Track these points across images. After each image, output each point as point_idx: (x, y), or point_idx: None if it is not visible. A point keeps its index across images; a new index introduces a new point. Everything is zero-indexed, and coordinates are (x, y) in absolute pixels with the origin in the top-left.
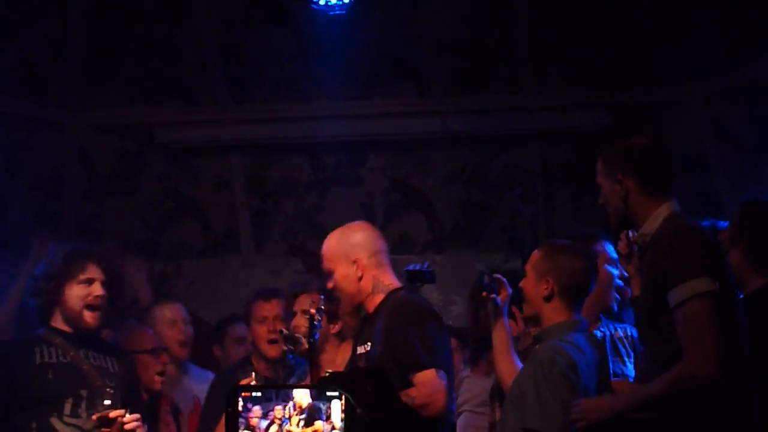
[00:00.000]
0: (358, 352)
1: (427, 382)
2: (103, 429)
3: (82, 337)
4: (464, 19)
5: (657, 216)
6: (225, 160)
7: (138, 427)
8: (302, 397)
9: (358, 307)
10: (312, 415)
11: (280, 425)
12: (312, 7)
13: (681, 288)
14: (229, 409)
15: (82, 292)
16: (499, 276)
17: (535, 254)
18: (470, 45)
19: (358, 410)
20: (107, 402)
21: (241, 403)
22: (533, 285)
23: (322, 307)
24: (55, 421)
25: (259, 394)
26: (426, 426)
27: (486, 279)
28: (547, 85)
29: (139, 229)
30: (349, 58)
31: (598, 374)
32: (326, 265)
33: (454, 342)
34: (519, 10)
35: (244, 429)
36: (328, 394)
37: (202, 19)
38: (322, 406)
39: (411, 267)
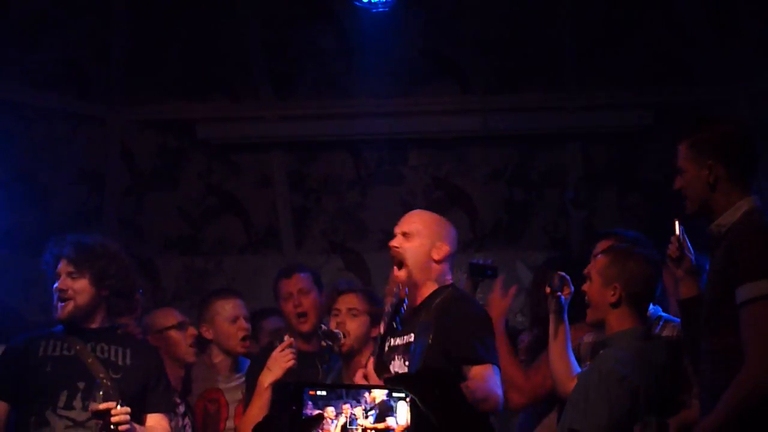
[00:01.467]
0: (394, 343)
1: (486, 376)
2: (96, 420)
3: (93, 330)
4: (507, 18)
5: (738, 208)
6: (267, 157)
7: (126, 420)
8: (377, 394)
9: (412, 288)
10: (383, 411)
11: (349, 422)
12: (355, 5)
13: (751, 286)
14: (294, 407)
15: (55, 285)
16: (563, 274)
17: (602, 259)
18: (513, 43)
19: (425, 412)
20: (100, 393)
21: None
22: (599, 291)
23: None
24: (49, 414)
25: (324, 393)
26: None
27: (556, 278)
28: (590, 83)
29: (179, 225)
30: (392, 55)
31: (663, 381)
32: (413, 227)
33: None
34: (562, 9)
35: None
36: (395, 394)
37: (245, 16)
38: (393, 404)
39: (474, 261)
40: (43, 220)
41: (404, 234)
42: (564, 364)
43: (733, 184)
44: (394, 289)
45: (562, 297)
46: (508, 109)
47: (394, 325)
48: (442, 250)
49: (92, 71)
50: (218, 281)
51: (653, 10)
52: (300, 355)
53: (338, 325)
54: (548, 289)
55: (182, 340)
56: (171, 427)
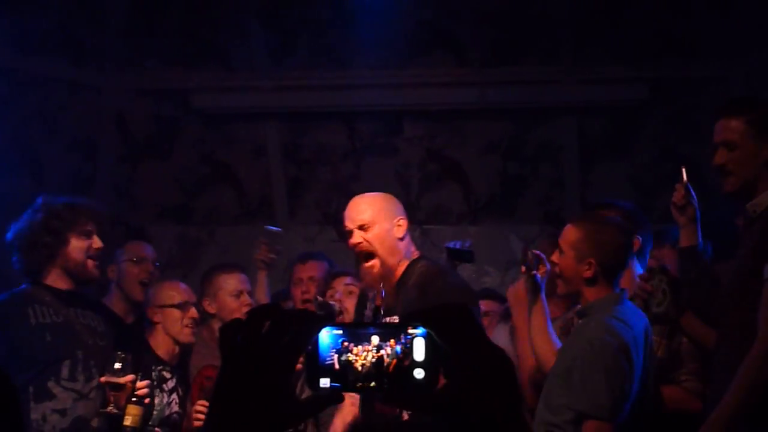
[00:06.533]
0: None
1: None
2: (111, 393)
3: (72, 294)
4: None
5: None
6: (261, 127)
7: (148, 393)
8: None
9: (386, 272)
10: (379, 347)
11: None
12: None
13: None
14: (309, 348)
15: (84, 243)
16: (538, 252)
17: (573, 232)
18: (510, 16)
19: (442, 347)
20: (118, 366)
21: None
22: (573, 266)
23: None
24: (52, 386)
25: (340, 331)
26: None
27: (529, 255)
28: (586, 57)
29: (173, 194)
30: (388, 26)
31: (645, 344)
32: (365, 217)
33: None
34: None
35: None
36: (410, 331)
37: None
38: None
39: (451, 244)
40: (37, 188)
41: (361, 227)
42: (545, 342)
43: None
44: (370, 295)
45: (538, 275)
46: (504, 82)
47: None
48: (402, 226)
49: (88, 39)
50: (211, 251)
51: None
52: None
53: (338, 302)
54: (523, 268)
55: (179, 320)
56: (154, 402)
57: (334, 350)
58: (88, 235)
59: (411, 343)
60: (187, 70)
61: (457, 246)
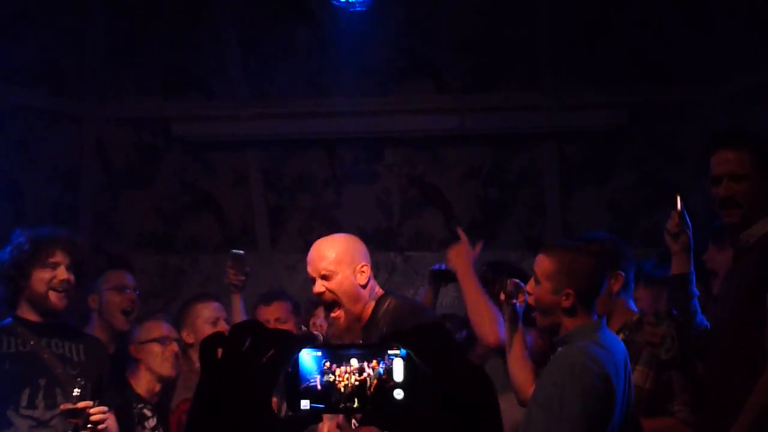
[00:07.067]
0: None
1: None
2: (69, 419)
3: (47, 324)
4: (484, 17)
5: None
6: (242, 155)
7: (105, 419)
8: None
9: (352, 320)
10: (361, 369)
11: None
12: (332, 3)
13: None
14: (290, 370)
15: (47, 275)
16: (517, 281)
17: (547, 263)
18: (489, 43)
19: (421, 366)
20: (76, 392)
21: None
22: (550, 296)
23: None
24: (11, 414)
25: (319, 352)
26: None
27: (510, 285)
28: (566, 83)
29: (155, 223)
30: (368, 54)
31: (624, 371)
32: (329, 266)
33: None
34: (539, 8)
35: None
36: (390, 352)
37: (221, 14)
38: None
39: (436, 267)
40: (18, 219)
41: (323, 276)
42: (523, 371)
43: None
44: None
45: (517, 304)
46: (484, 108)
47: None
48: (365, 272)
49: (68, 68)
50: (193, 279)
51: (629, 10)
52: None
53: (319, 329)
54: (503, 296)
55: (159, 354)
56: None
57: (317, 371)
58: (53, 267)
59: (392, 364)
60: (167, 98)
61: (442, 268)
